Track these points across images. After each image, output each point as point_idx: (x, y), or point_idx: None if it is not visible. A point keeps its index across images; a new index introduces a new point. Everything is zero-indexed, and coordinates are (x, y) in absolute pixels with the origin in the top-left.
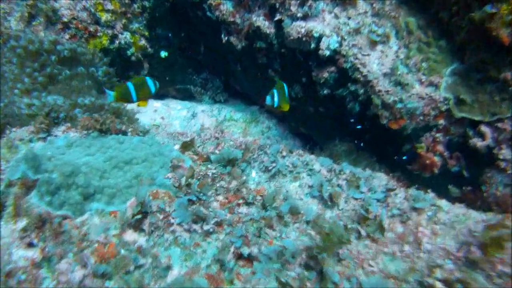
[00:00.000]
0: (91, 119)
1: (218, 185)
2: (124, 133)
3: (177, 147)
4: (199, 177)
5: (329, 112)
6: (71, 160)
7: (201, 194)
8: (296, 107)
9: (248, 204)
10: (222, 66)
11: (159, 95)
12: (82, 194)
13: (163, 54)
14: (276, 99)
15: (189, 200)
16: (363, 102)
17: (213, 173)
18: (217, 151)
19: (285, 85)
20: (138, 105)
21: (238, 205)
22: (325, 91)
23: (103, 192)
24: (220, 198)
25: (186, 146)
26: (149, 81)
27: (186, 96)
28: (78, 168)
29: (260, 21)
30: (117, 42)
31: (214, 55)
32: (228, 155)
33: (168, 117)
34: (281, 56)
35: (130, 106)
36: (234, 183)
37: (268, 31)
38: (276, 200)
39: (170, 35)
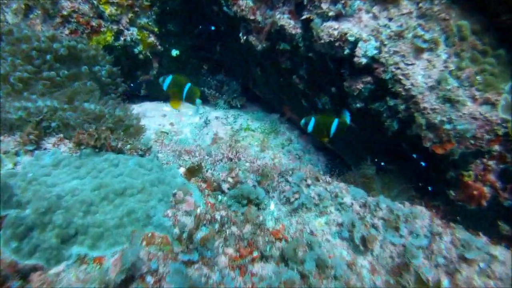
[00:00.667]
0: (84, 134)
1: (228, 231)
2: (121, 151)
3: (182, 170)
4: (204, 221)
5: (361, 128)
6: (55, 184)
7: (205, 249)
8: None
9: (264, 258)
10: (240, 68)
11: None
12: (60, 236)
13: (174, 52)
14: (310, 126)
15: (189, 260)
16: (403, 120)
17: (222, 217)
18: (230, 179)
19: (336, 120)
20: (172, 105)
21: (252, 260)
22: (358, 105)
23: (87, 232)
24: (230, 251)
25: (193, 171)
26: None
27: (199, 98)
28: (57, 203)
29: (284, 19)
30: (122, 38)
31: (232, 55)
32: (244, 192)
33: (178, 124)
34: (308, 61)
35: (137, 111)
36: (248, 228)
37: (293, 32)
38: (298, 251)
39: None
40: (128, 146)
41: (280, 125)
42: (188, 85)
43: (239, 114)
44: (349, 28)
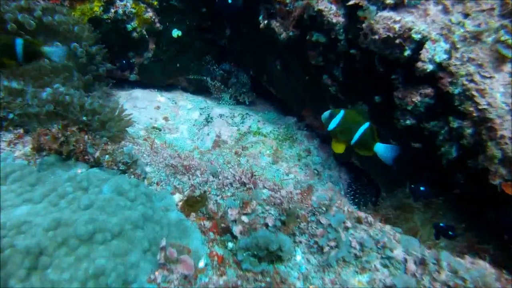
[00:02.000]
0: (47, 134)
1: None
2: (98, 163)
3: (178, 197)
4: None
5: (404, 148)
6: None
7: None
8: None
9: None
10: (253, 58)
11: (166, 86)
12: None
13: (176, 33)
14: (334, 123)
15: None
16: (467, 147)
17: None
18: (244, 218)
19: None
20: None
21: None
22: (409, 121)
23: None
24: None
25: (194, 204)
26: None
27: (200, 89)
28: None
29: (324, 2)
30: (113, 10)
31: (244, 41)
32: (262, 241)
33: (173, 119)
34: (347, 59)
35: (125, 99)
36: None
37: (334, 20)
38: None
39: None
40: (107, 156)
41: (297, 131)
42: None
43: (248, 114)
44: (414, 22)
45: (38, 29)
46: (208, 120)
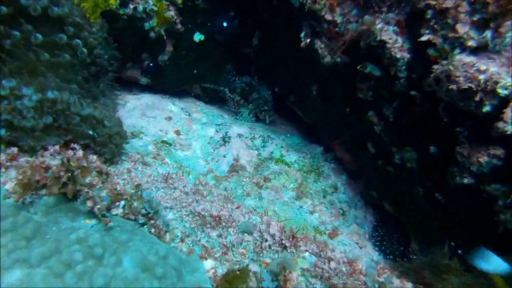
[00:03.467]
0: (46, 169)
1: None
2: (108, 210)
3: (209, 265)
4: None
5: (456, 207)
6: None
7: None
8: (395, 177)
9: None
10: (281, 75)
11: (178, 92)
12: None
13: (198, 37)
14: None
15: None
16: None
17: None
18: None
19: None
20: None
21: None
22: (466, 180)
23: None
24: None
25: (232, 279)
26: None
27: (215, 99)
28: None
29: (388, 32)
30: (132, 6)
31: (273, 55)
32: None
33: (186, 133)
34: (403, 100)
35: (133, 105)
36: None
37: (398, 55)
38: None
39: (225, 24)
40: (122, 203)
41: (323, 163)
42: None
43: (270, 136)
44: (500, 74)
45: (42, 20)
46: (225, 140)
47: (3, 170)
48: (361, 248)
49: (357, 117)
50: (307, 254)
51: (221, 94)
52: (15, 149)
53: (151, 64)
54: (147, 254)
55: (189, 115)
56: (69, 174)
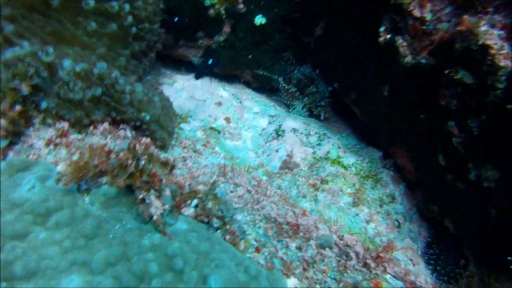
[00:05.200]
0: (109, 154)
1: None
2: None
3: (292, 284)
4: None
5: None
6: (32, 273)
7: None
8: (466, 195)
9: None
10: (344, 70)
11: (227, 76)
12: None
13: (260, 20)
14: None
15: None
16: None
17: None
18: None
19: None
20: None
21: None
22: None
23: None
24: None
25: None
26: None
27: (264, 87)
28: None
29: (492, 36)
30: None
31: (339, 48)
32: None
33: (236, 122)
34: (496, 113)
35: (181, 85)
36: None
37: (501, 63)
38: None
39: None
40: (194, 201)
41: (382, 169)
42: None
43: (325, 134)
44: None
45: None
46: (279, 133)
47: (51, 147)
48: (414, 265)
49: (431, 124)
50: (388, 276)
51: (274, 83)
52: (65, 124)
53: (176, 19)
54: (236, 273)
55: (240, 102)
56: (136, 163)
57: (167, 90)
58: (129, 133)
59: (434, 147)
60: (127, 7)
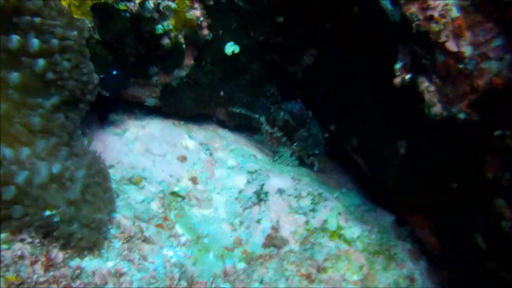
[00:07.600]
0: None
1: None
2: None
3: None
4: None
5: None
6: None
7: None
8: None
9: None
10: (343, 110)
11: (195, 116)
12: None
13: (231, 48)
14: None
15: None
16: None
17: None
18: None
19: None
20: None
21: None
22: None
23: None
24: None
25: None
26: None
27: (243, 128)
28: None
29: None
30: (138, 1)
31: (335, 82)
32: None
33: (205, 181)
34: None
35: (135, 135)
36: None
37: None
38: None
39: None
40: None
41: (396, 241)
42: None
43: (321, 194)
44: None
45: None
46: (261, 197)
47: None
48: None
49: (469, 199)
50: None
51: (254, 123)
52: None
53: (114, 73)
54: None
55: (211, 154)
56: None
57: (116, 143)
58: (30, 244)
59: (471, 224)
60: (36, 43)
